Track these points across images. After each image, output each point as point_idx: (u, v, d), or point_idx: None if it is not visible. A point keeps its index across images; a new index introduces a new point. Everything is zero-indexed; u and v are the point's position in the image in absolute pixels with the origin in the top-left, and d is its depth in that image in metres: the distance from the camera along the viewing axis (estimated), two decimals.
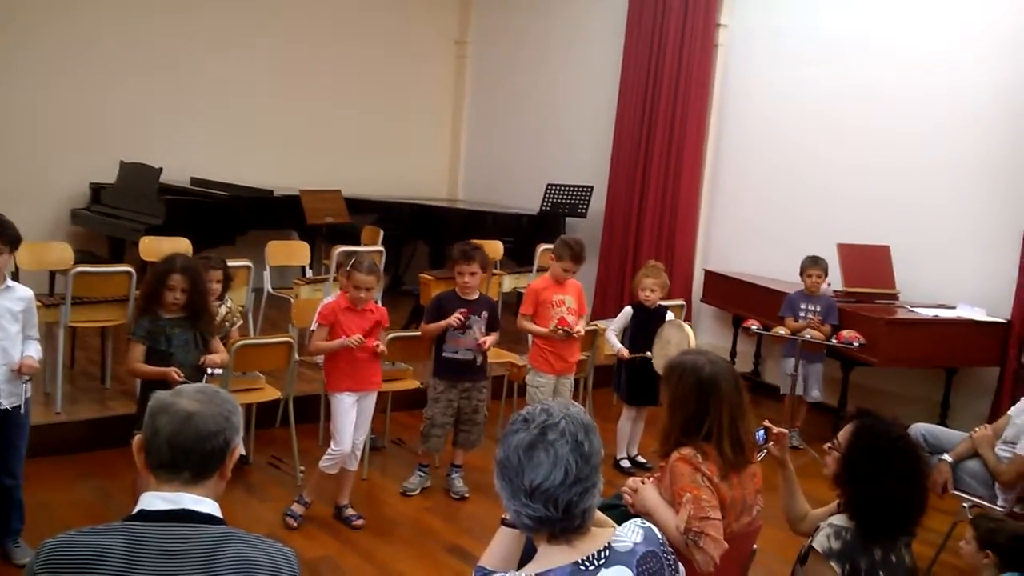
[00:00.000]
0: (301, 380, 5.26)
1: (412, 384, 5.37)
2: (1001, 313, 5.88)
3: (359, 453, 4.55)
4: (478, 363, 4.79)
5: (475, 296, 4.75)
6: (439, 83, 10.55)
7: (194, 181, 8.41)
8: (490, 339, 4.76)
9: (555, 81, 9.38)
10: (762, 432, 2.96)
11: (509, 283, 7.52)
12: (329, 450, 4.39)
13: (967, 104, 6.18)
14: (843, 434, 2.74)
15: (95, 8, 8.09)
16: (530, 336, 5.35)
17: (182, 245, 6.13)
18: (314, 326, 4.54)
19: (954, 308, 6.01)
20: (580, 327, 5.06)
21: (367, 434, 4.68)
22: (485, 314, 4.75)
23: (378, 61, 9.87)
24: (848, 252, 6.22)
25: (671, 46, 7.82)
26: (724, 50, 7.73)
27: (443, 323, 4.64)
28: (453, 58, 10.62)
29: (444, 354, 4.74)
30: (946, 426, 5.19)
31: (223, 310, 4.60)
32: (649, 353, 5.06)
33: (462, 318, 4.61)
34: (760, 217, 7.49)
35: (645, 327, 5.25)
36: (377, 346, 4.43)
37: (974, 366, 6.05)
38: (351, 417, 4.39)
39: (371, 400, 4.54)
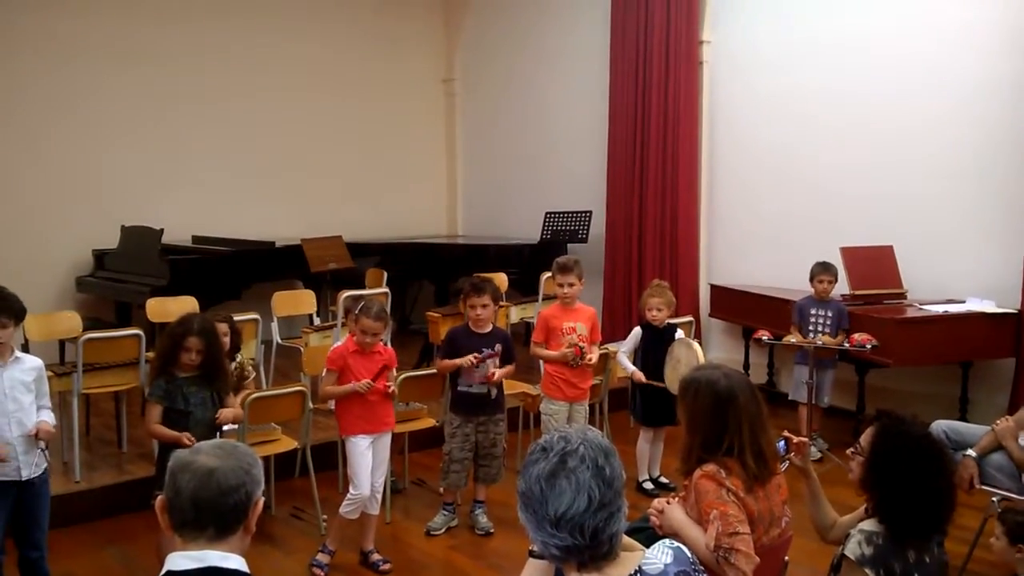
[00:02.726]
0: (317, 428, 5.25)
1: (427, 423, 5.35)
2: (1011, 304, 5.85)
3: (379, 496, 4.53)
4: (493, 396, 4.78)
5: (488, 329, 4.76)
6: (431, 122, 10.64)
7: (196, 239, 8.46)
8: (502, 371, 4.74)
9: (544, 110, 9.46)
10: (782, 443, 2.94)
11: (516, 314, 7.52)
12: (348, 495, 4.37)
13: (961, 96, 6.19)
14: (865, 437, 2.72)
15: (84, 74, 8.19)
16: (542, 364, 5.34)
17: (188, 304, 6.15)
18: (324, 372, 4.54)
19: (963, 302, 5.98)
20: (593, 355, 5.04)
21: (386, 476, 4.66)
22: (499, 346, 4.75)
23: (369, 106, 9.97)
24: (852, 255, 6.22)
25: (656, 66, 7.88)
26: (709, 66, 7.79)
27: (457, 362, 4.64)
28: (442, 96, 10.72)
29: (459, 388, 4.74)
30: (967, 421, 5.16)
31: (233, 365, 4.61)
32: (663, 384, 5.03)
33: (475, 361, 4.61)
34: (760, 227, 7.50)
35: (656, 347, 5.23)
36: (388, 387, 4.43)
37: (989, 359, 6.02)
38: (367, 459, 4.38)
39: (386, 441, 4.53)
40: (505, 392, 5.01)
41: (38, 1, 7.89)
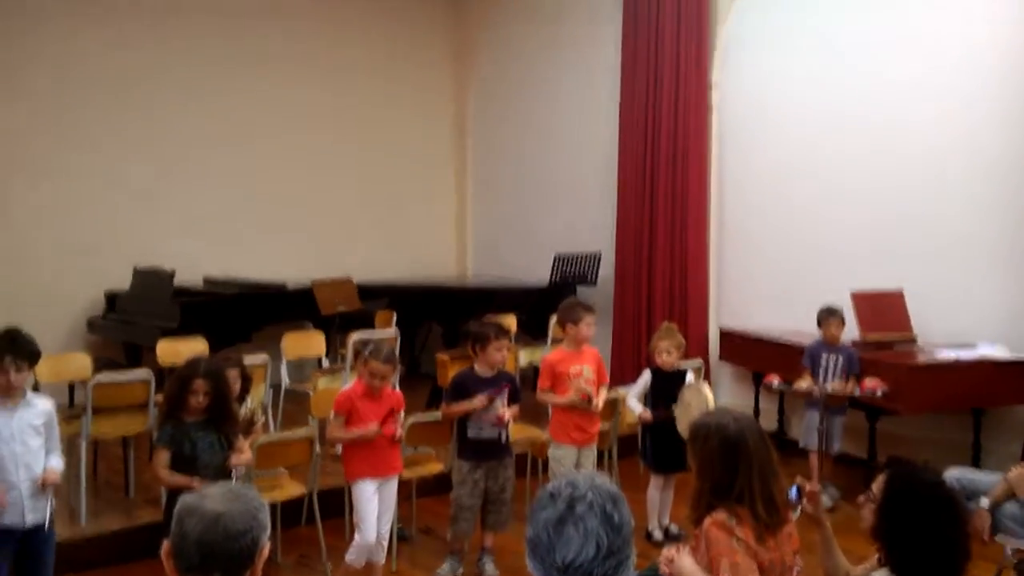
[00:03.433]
0: (324, 473, 5.22)
1: (435, 468, 5.32)
2: (1022, 350, 5.81)
3: (385, 543, 4.49)
4: (503, 440, 4.76)
5: (494, 372, 4.75)
6: (441, 163, 10.72)
7: (207, 281, 8.50)
8: (511, 411, 4.73)
9: (554, 152, 9.52)
10: (795, 490, 2.91)
11: (525, 357, 7.51)
12: (354, 542, 4.33)
13: (975, 146, 6.20)
14: (877, 485, 2.69)
15: (99, 115, 8.28)
16: (550, 409, 5.31)
17: (198, 346, 6.16)
18: (331, 415, 4.53)
19: (975, 347, 5.94)
20: (599, 399, 5.02)
21: (392, 522, 4.62)
22: (507, 389, 4.73)
23: (380, 148, 10.04)
24: (862, 300, 6.20)
25: (666, 108, 7.94)
26: (718, 109, 7.84)
27: (468, 405, 4.62)
28: (453, 139, 10.81)
29: (468, 434, 4.70)
30: (979, 469, 5.10)
31: (244, 410, 4.60)
32: (674, 414, 5.00)
33: (487, 401, 4.59)
34: (770, 271, 7.49)
35: (665, 390, 5.21)
36: (395, 432, 4.41)
37: (1002, 406, 5.96)
38: (373, 505, 4.35)
39: (392, 486, 4.50)
40: (512, 437, 4.99)
41: (54, 36, 8.00)
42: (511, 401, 4.75)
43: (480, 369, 4.73)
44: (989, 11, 6.09)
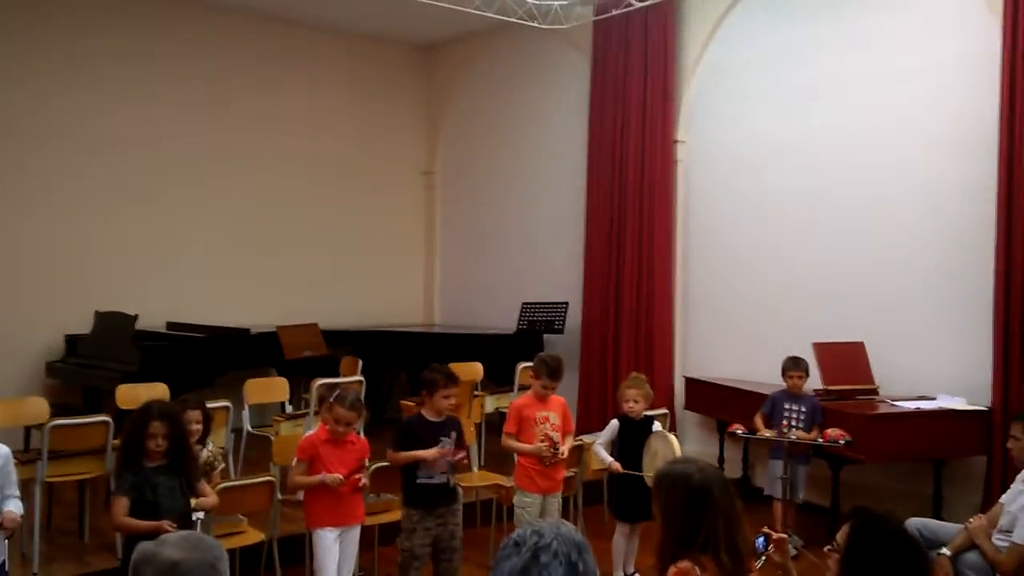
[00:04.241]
0: (285, 520, 5.14)
1: (398, 515, 5.24)
2: (981, 401, 5.91)
3: None
4: (451, 485, 4.71)
5: (442, 417, 4.73)
6: (410, 212, 10.77)
7: (170, 325, 8.40)
8: (463, 454, 4.71)
9: (522, 204, 9.61)
10: (762, 539, 2.91)
11: (491, 403, 7.49)
12: None
13: (930, 197, 6.36)
14: (841, 534, 2.71)
15: (60, 159, 8.23)
16: (515, 456, 5.28)
17: (158, 391, 6.07)
18: (293, 461, 4.47)
19: (934, 399, 6.03)
20: (565, 447, 5.01)
21: (353, 571, 4.54)
22: (454, 434, 4.71)
23: (349, 196, 10.08)
24: (824, 350, 6.27)
25: (632, 163, 8.07)
26: (683, 164, 7.99)
27: (422, 454, 4.55)
28: (422, 188, 10.88)
29: (418, 481, 4.61)
30: (941, 519, 5.14)
31: (205, 453, 4.53)
32: (641, 472, 4.99)
33: (440, 456, 4.54)
34: (734, 321, 7.58)
35: (632, 439, 5.21)
36: (359, 479, 4.35)
37: (961, 456, 6.03)
38: (333, 554, 4.28)
39: (354, 534, 4.44)
40: (478, 485, 4.94)
41: (10, 83, 7.97)
42: (457, 447, 4.72)
43: (428, 414, 4.70)
44: (953, 79, 6.28)
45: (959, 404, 5.90)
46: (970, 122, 6.15)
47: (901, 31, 6.54)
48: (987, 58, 5.98)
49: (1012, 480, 4.39)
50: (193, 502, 3.82)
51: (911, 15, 6.49)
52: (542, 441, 4.93)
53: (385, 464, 5.06)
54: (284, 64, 9.60)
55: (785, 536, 2.99)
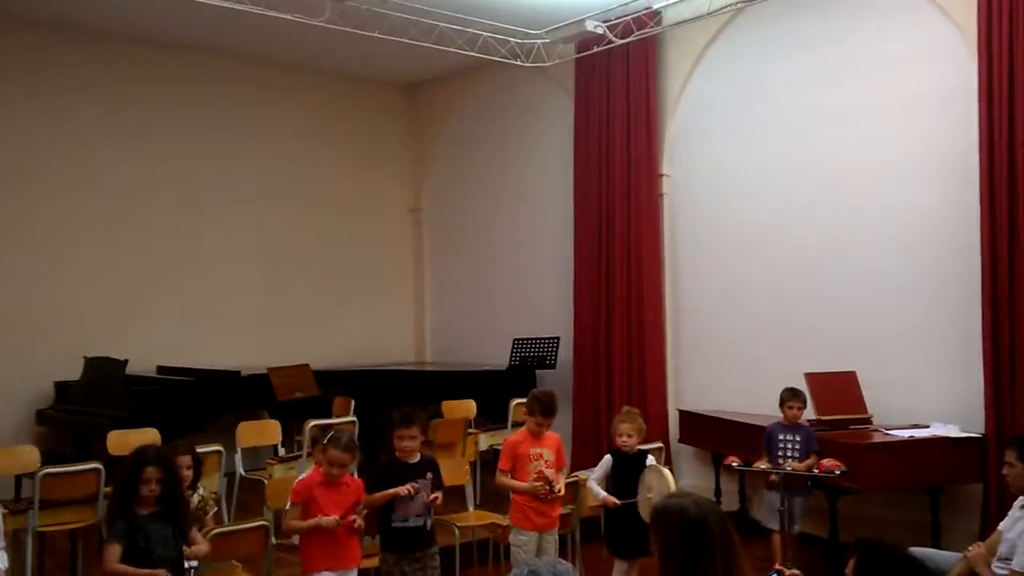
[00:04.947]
0: (280, 565, 5.07)
1: None
2: (974, 428, 5.92)
3: None
4: (428, 528, 4.66)
5: (417, 459, 4.68)
6: (399, 250, 10.79)
7: (161, 369, 8.36)
8: (439, 496, 4.66)
9: (511, 239, 9.66)
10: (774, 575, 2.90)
11: (485, 441, 7.46)
12: None
13: (918, 227, 6.42)
14: (850, 568, 2.70)
15: (46, 203, 8.24)
16: (511, 493, 5.25)
17: (150, 436, 6.02)
18: (288, 505, 4.43)
19: (928, 427, 6.04)
20: (560, 484, 4.99)
21: None
22: (430, 475, 4.67)
23: (338, 234, 10.11)
24: (816, 381, 6.28)
25: (619, 196, 8.14)
26: (669, 197, 8.05)
27: (391, 492, 4.50)
28: (410, 225, 10.92)
29: (393, 524, 4.57)
30: (939, 547, 5.12)
31: (195, 498, 4.49)
32: (641, 508, 4.96)
33: (412, 491, 4.50)
34: (725, 353, 7.59)
35: (627, 473, 5.18)
36: (354, 521, 4.32)
37: (957, 484, 6.03)
38: None
39: None
40: (474, 524, 4.90)
41: None
42: (435, 488, 4.67)
43: (402, 456, 4.66)
44: (932, 110, 6.36)
45: (953, 432, 5.91)
46: (952, 152, 6.23)
47: (879, 63, 6.64)
48: (964, 89, 6.07)
49: (1009, 507, 4.38)
50: (186, 550, 3.77)
51: (889, 47, 6.60)
52: (536, 480, 4.90)
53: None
54: (271, 105, 9.67)
55: (798, 572, 2.96)
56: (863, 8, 6.74)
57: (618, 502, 5.13)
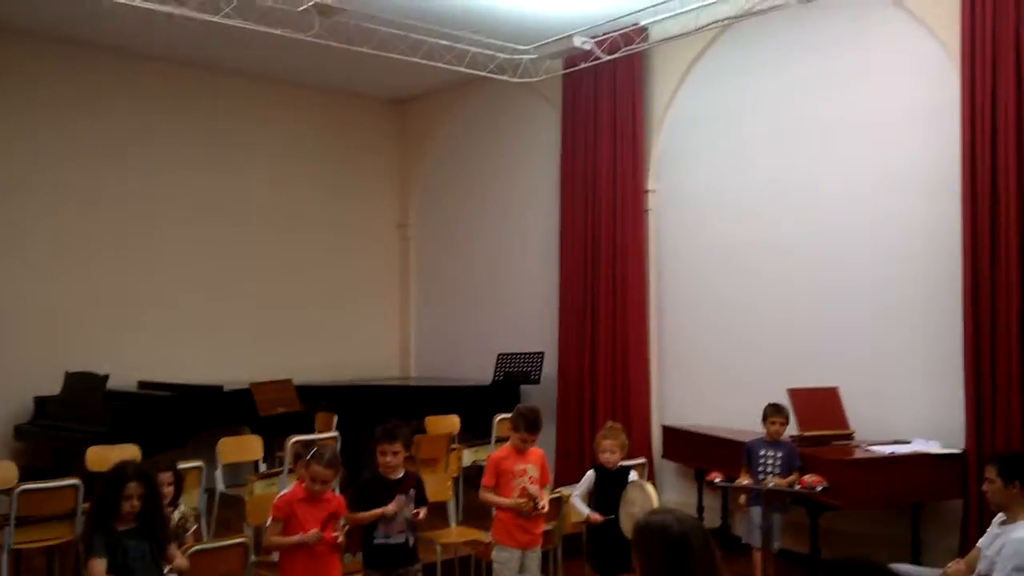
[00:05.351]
0: None
1: None
2: (955, 444, 5.94)
3: None
4: (411, 545, 4.63)
5: (400, 475, 4.66)
6: (384, 265, 10.78)
7: (142, 384, 8.30)
8: (423, 511, 4.64)
9: (497, 254, 9.67)
10: None
11: (469, 456, 7.43)
12: None
13: (902, 243, 6.46)
14: None
15: (26, 216, 8.18)
16: (493, 510, 5.23)
17: (130, 452, 5.96)
18: (269, 521, 4.40)
19: (909, 443, 6.06)
20: (544, 500, 4.97)
21: None
22: (413, 491, 4.64)
23: (322, 249, 10.09)
24: (799, 396, 6.30)
25: (604, 212, 8.16)
26: (655, 213, 8.08)
27: (378, 512, 4.47)
28: (396, 241, 10.91)
29: (376, 541, 4.53)
30: (920, 564, 5.14)
31: (176, 515, 4.45)
32: (623, 525, 4.95)
33: (399, 507, 4.48)
34: (709, 369, 7.61)
35: (610, 489, 5.17)
36: (336, 537, 4.28)
37: (937, 500, 6.05)
38: None
39: None
40: (456, 541, 4.87)
41: None
42: (418, 504, 4.64)
43: (385, 471, 4.64)
44: (916, 125, 6.42)
45: (934, 448, 5.93)
46: (933, 168, 6.28)
47: (864, 80, 6.70)
48: (948, 105, 6.13)
49: (989, 523, 4.40)
50: (165, 568, 3.73)
51: (874, 64, 6.66)
52: (519, 496, 4.88)
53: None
54: (256, 119, 9.65)
55: None
56: (848, 26, 6.80)
57: (602, 518, 5.12)
